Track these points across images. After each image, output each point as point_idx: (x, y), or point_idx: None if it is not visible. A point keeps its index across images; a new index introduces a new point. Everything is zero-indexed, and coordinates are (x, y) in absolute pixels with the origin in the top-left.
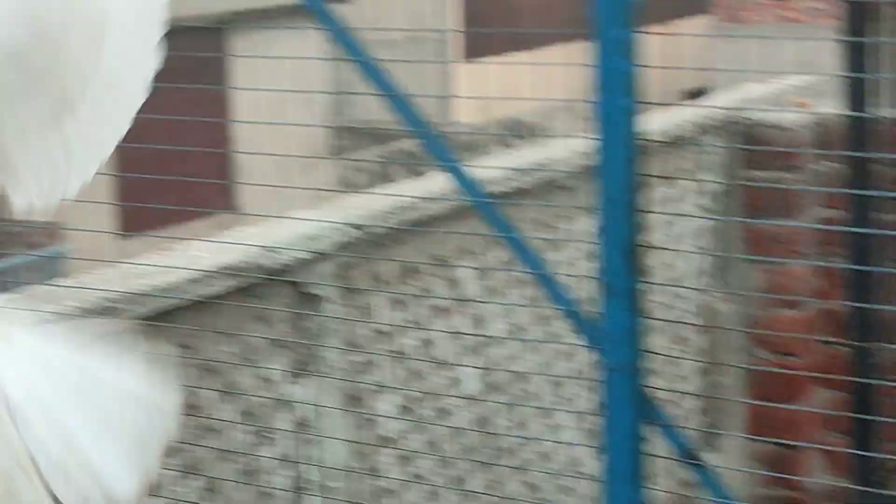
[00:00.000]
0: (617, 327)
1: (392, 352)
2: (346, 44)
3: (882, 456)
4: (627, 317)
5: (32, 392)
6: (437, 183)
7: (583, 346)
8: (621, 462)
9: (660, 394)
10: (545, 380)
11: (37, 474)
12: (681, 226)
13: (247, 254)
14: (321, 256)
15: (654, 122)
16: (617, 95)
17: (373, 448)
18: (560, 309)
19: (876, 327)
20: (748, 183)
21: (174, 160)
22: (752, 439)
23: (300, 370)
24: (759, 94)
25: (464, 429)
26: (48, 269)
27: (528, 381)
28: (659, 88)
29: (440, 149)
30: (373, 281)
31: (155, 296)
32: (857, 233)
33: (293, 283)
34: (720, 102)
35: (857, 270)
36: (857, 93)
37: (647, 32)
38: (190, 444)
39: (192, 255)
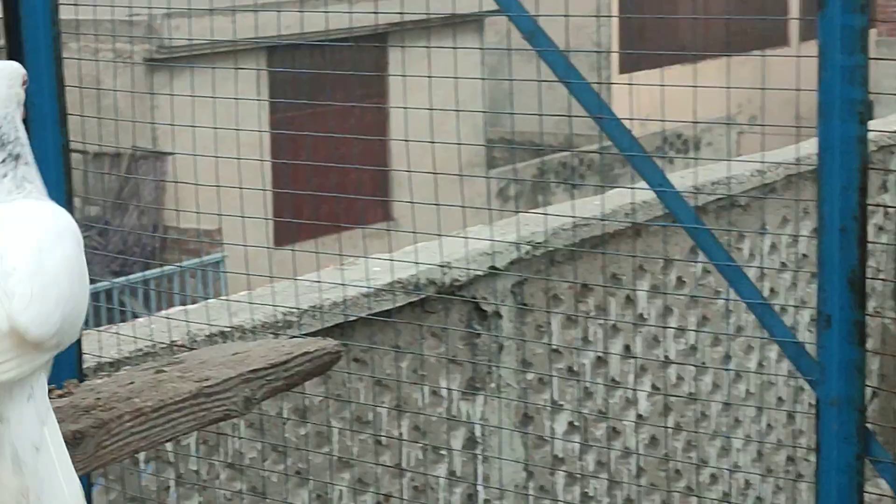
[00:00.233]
0: (836, 359)
1: (566, 370)
2: (558, 66)
3: None
4: (850, 349)
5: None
6: (614, 200)
7: (792, 376)
8: (837, 500)
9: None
10: (728, 403)
11: None
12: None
13: (421, 270)
14: (496, 273)
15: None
16: (845, 123)
17: (545, 467)
18: (772, 339)
19: None
20: None
21: (333, 170)
22: None
23: (473, 387)
24: None
25: (663, 452)
26: (207, 277)
27: (703, 403)
28: None
29: (653, 172)
30: (547, 299)
31: (329, 311)
32: None
33: (467, 299)
34: None
35: None
36: None
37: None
38: (362, 460)
39: (367, 271)
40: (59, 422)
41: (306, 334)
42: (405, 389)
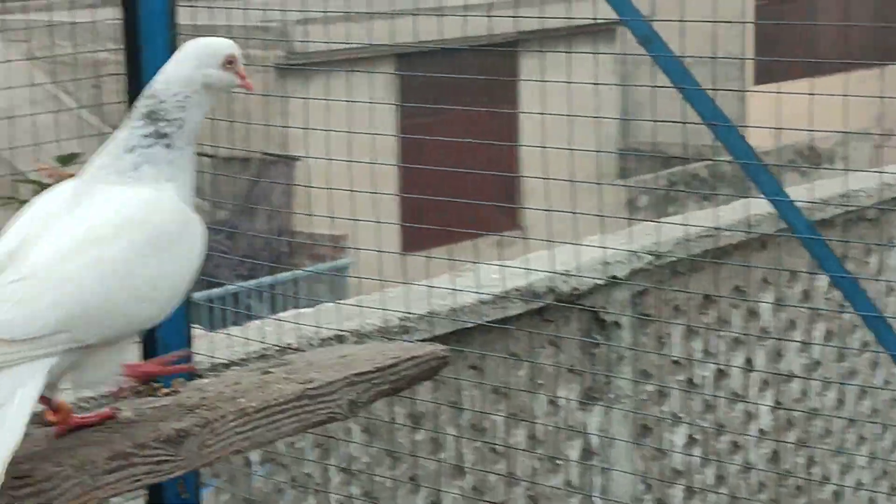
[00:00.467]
0: None
1: (685, 382)
2: (673, 72)
3: None
4: None
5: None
6: (737, 212)
7: None
8: None
9: None
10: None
11: None
12: None
13: (540, 277)
14: (616, 283)
15: None
16: None
17: (663, 480)
18: (890, 353)
19: None
20: None
21: (459, 177)
22: None
23: (591, 397)
24: None
25: (787, 469)
26: (333, 282)
27: (825, 418)
28: None
29: (767, 180)
30: (668, 309)
31: (445, 318)
32: None
33: (586, 308)
34: None
35: None
36: None
37: None
38: (476, 468)
39: (485, 278)
40: (163, 420)
41: (421, 340)
42: (521, 398)
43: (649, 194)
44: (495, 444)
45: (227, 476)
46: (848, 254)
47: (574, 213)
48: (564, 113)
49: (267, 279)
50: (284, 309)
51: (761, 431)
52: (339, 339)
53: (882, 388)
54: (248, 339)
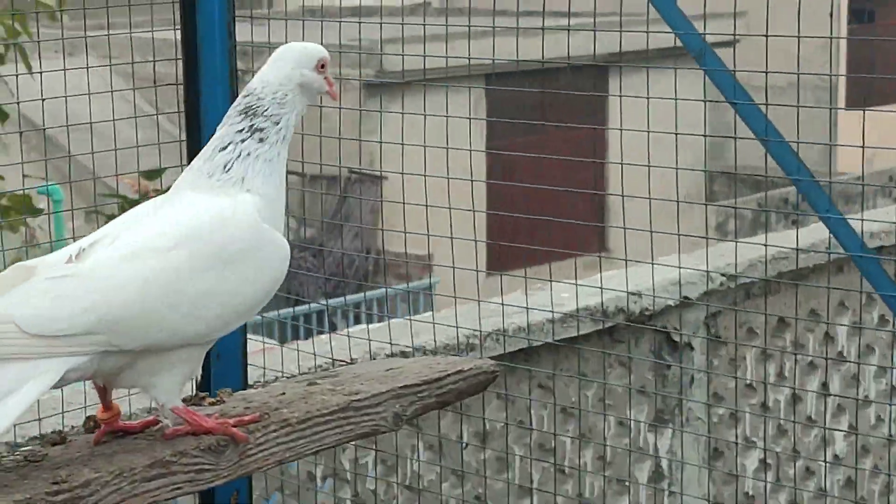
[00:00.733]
0: None
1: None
2: (727, 87)
3: None
4: None
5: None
6: (814, 234)
7: None
8: None
9: None
10: None
11: None
12: None
13: (610, 297)
14: (688, 304)
15: None
16: None
17: None
18: None
19: None
20: None
21: (547, 199)
22: None
23: (661, 419)
24: None
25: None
26: (418, 302)
27: None
28: None
29: (819, 198)
30: (742, 331)
31: (513, 335)
32: None
33: (658, 329)
34: None
35: None
36: None
37: None
38: (543, 489)
39: (555, 297)
40: None
41: (489, 358)
42: (590, 418)
43: (738, 218)
44: (563, 465)
45: (290, 491)
46: None
47: (653, 232)
48: (651, 132)
49: (352, 297)
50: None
51: (836, 457)
52: (404, 354)
53: None
54: (313, 353)
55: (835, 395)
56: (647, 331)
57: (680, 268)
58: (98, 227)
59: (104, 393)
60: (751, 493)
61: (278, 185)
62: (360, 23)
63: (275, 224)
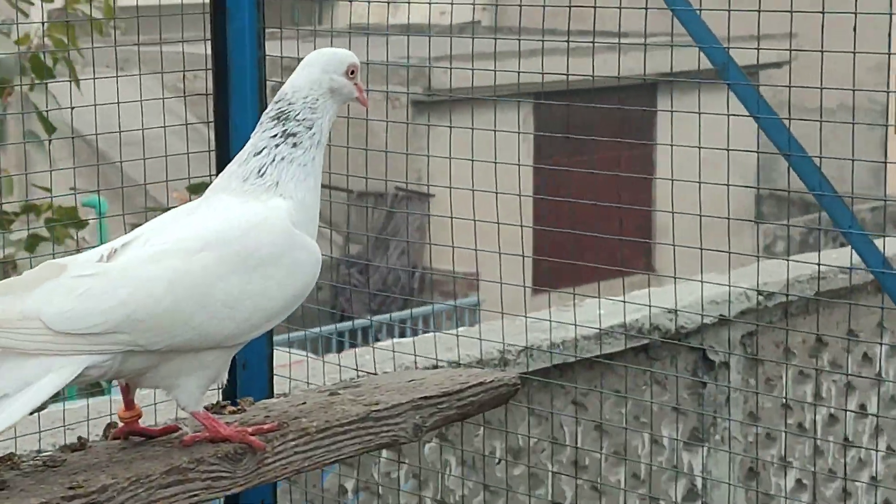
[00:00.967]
0: None
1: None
2: (750, 102)
3: None
4: None
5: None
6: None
7: None
8: None
9: None
10: None
11: None
12: None
13: (646, 314)
14: (725, 322)
15: None
16: None
17: None
18: None
19: None
20: None
21: (594, 217)
22: None
23: (696, 438)
24: None
25: None
26: (464, 319)
27: None
28: None
29: (842, 214)
30: (778, 351)
31: (546, 351)
32: None
33: (694, 347)
34: None
35: None
36: None
37: None
38: None
39: (591, 313)
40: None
41: (523, 373)
42: (625, 436)
43: (786, 239)
44: (597, 483)
45: (319, 503)
46: None
47: (688, 247)
48: (696, 148)
49: (397, 314)
50: None
51: (873, 478)
52: (435, 369)
53: None
54: (338, 364)
55: (873, 415)
56: (682, 348)
57: (709, 282)
58: None
59: (126, 391)
60: None
61: (312, 189)
62: (408, 38)
63: (307, 229)
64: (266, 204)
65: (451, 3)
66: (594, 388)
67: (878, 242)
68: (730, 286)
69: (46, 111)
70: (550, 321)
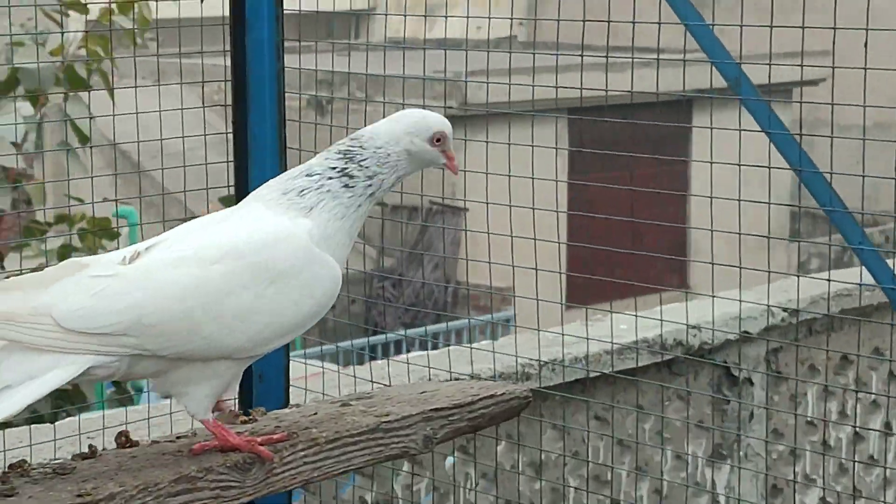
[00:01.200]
0: None
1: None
2: (762, 117)
3: None
4: None
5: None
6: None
7: None
8: None
9: None
10: None
11: None
12: None
13: (669, 330)
14: (748, 338)
15: None
16: None
17: None
18: None
19: None
20: None
21: (628, 234)
22: None
23: (719, 454)
24: None
25: None
26: (497, 333)
27: None
28: None
29: (852, 230)
30: (803, 368)
31: (569, 366)
32: None
33: (717, 363)
34: None
35: None
36: None
37: None
38: None
39: (614, 328)
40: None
41: (544, 387)
42: (647, 451)
43: (820, 257)
44: (619, 498)
45: None
46: None
47: (725, 265)
48: (735, 168)
49: (430, 328)
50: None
51: None
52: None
53: None
54: (353, 376)
55: None
56: (706, 364)
57: (734, 300)
58: None
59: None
60: None
61: (345, 231)
62: (445, 52)
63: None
64: (293, 221)
65: (489, 18)
66: (617, 404)
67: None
68: (741, 302)
69: (83, 119)
70: (563, 335)
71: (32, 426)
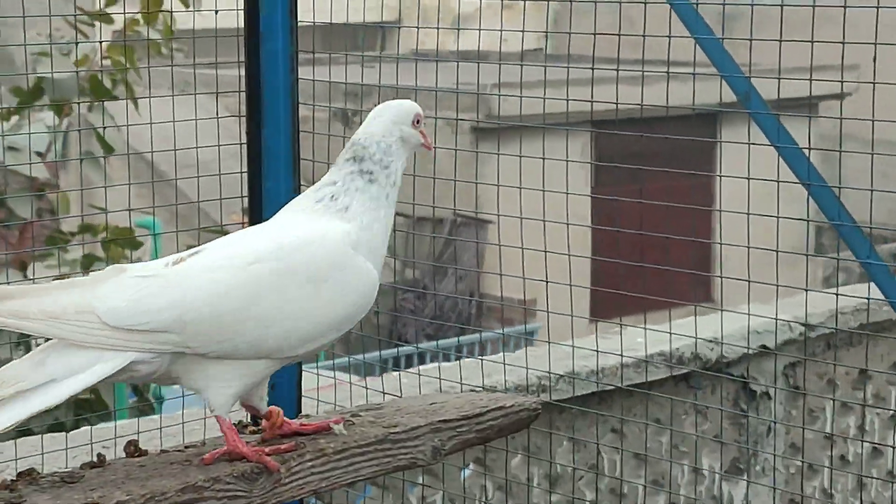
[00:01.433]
0: None
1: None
2: (770, 131)
3: None
4: None
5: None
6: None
7: None
8: None
9: None
10: None
11: None
12: None
13: (687, 343)
14: (767, 353)
15: None
16: None
17: None
18: None
19: None
20: None
21: (653, 248)
22: None
23: (737, 468)
24: None
25: None
26: (520, 347)
27: None
28: None
29: (860, 244)
30: (821, 383)
31: (585, 379)
32: None
33: (735, 378)
34: None
35: None
36: None
37: None
38: None
39: (630, 341)
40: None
41: (559, 400)
42: (664, 465)
43: (846, 272)
44: None
45: None
46: None
47: (745, 280)
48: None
49: (453, 340)
50: None
51: None
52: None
53: None
54: (364, 387)
55: None
56: (723, 378)
57: (753, 315)
58: None
59: (256, 411)
60: None
61: (381, 220)
62: (478, 65)
63: (370, 257)
64: (329, 224)
65: (523, 31)
66: (633, 417)
67: None
68: (750, 315)
69: (110, 128)
70: (573, 347)
71: (47, 435)
